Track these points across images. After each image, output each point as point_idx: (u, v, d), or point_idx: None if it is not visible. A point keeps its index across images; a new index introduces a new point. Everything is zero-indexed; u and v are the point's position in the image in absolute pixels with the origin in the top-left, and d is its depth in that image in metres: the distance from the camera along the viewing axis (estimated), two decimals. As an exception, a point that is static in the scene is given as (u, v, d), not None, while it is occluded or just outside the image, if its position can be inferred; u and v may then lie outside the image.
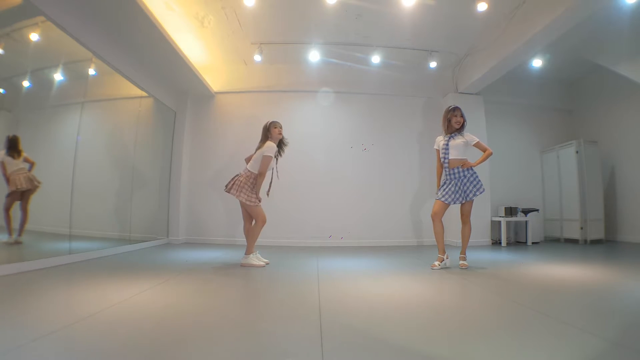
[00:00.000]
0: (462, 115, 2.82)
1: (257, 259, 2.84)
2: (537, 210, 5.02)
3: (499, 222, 4.80)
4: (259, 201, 2.84)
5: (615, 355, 1.09)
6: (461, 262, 2.77)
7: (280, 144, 2.98)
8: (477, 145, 2.80)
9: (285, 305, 1.73)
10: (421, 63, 4.80)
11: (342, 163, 4.91)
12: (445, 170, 2.83)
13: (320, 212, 4.76)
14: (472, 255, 3.66)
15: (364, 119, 5.04)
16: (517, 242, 5.02)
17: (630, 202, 4.87)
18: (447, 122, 2.84)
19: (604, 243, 4.72)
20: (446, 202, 2.76)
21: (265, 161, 2.77)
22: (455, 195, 2.76)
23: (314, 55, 4.53)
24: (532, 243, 4.79)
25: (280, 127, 2.93)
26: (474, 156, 2.90)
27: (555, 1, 3.12)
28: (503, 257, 3.53)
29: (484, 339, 1.22)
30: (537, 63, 4.65)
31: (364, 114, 5.05)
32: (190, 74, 4.32)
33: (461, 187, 2.76)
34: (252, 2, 3.53)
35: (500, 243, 4.71)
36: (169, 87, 4.67)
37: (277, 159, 2.97)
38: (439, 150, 2.90)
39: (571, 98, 5.78)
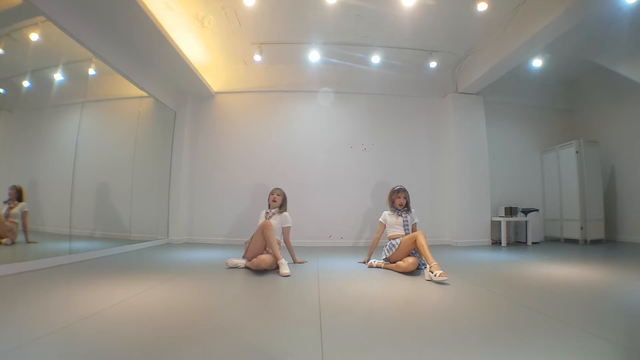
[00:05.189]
0: (405, 197, 3.02)
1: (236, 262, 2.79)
2: (537, 210, 5.01)
3: (499, 222, 4.80)
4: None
5: (616, 355, 1.09)
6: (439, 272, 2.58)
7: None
8: (413, 225, 3.03)
9: (285, 305, 1.73)
10: (421, 63, 4.80)
11: (342, 163, 4.91)
12: (389, 241, 2.91)
13: (320, 211, 4.76)
14: (473, 255, 3.67)
15: (364, 119, 5.04)
16: (517, 242, 5.01)
17: (630, 202, 4.87)
18: (392, 202, 3.06)
19: (604, 243, 4.72)
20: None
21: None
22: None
23: (314, 55, 4.53)
24: (532, 243, 4.79)
25: (272, 194, 3.12)
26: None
27: (555, 1, 3.12)
28: (503, 257, 3.53)
29: (484, 339, 1.23)
30: (537, 63, 4.65)
31: (364, 114, 5.05)
32: (190, 74, 4.32)
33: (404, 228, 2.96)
34: (252, 2, 3.54)
35: (500, 243, 4.70)
36: (169, 87, 4.67)
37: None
38: (385, 224, 3.04)
39: (571, 98, 5.78)
